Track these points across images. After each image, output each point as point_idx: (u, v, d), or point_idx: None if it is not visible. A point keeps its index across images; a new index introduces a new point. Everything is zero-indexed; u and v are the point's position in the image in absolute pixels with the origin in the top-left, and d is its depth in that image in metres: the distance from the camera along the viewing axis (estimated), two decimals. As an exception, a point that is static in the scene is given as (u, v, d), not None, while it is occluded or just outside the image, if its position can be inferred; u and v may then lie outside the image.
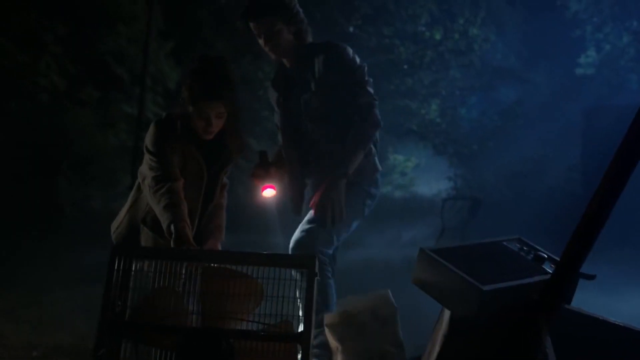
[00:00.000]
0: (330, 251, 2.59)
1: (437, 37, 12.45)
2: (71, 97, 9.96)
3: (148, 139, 2.47)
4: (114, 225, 2.62)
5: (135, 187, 2.59)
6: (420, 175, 14.86)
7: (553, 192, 11.45)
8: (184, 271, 1.87)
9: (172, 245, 2.15)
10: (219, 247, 2.64)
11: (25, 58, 9.42)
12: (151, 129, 2.47)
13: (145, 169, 2.45)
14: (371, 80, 2.68)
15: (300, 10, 2.69)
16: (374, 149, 2.74)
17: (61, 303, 5.07)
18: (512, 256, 2.06)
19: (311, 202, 2.54)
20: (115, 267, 1.75)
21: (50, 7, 9.59)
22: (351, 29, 11.85)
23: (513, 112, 13.57)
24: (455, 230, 7.38)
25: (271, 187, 2.64)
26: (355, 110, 2.59)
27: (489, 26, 13.92)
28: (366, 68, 2.68)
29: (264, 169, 2.66)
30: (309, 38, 2.73)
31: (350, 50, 2.67)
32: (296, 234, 2.57)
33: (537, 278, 1.92)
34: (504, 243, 2.11)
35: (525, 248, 2.08)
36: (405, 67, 12.52)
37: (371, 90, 2.65)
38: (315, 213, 2.49)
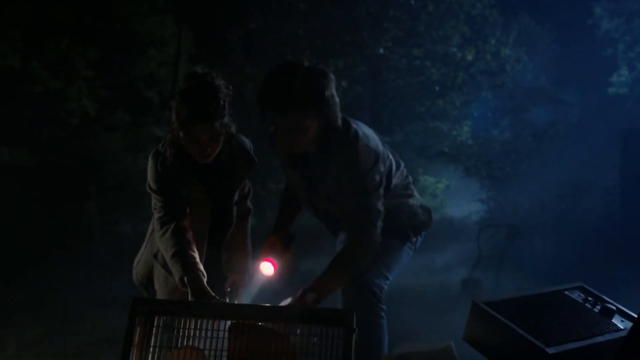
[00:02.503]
0: (386, 286, 2.36)
1: (469, 58, 12.26)
2: (102, 121, 10.02)
3: (148, 175, 2.27)
4: (135, 261, 2.47)
5: (152, 221, 2.41)
6: (450, 197, 14.62)
7: (590, 216, 11.08)
8: (209, 327, 1.69)
9: (189, 298, 1.96)
10: (246, 281, 2.46)
11: (57, 83, 9.52)
12: (149, 163, 2.26)
13: (153, 208, 2.29)
14: (382, 189, 2.26)
15: (336, 99, 2.17)
16: (412, 193, 2.52)
17: (86, 334, 4.97)
18: (576, 309, 1.82)
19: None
20: (136, 323, 1.58)
21: (82, 32, 9.70)
22: (381, 51, 11.73)
23: (547, 134, 13.28)
24: (492, 258, 7.09)
25: (272, 263, 2.32)
26: (354, 226, 2.22)
27: (521, 46, 13.71)
28: (381, 168, 2.23)
29: (277, 249, 2.35)
30: (338, 123, 2.20)
31: (367, 153, 2.21)
32: None
33: (608, 337, 1.69)
34: (566, 292, 1.87)
35: (590, 298, 1.85)
36: (437, 88, 12.33)
37: (379, 205, 2.22)
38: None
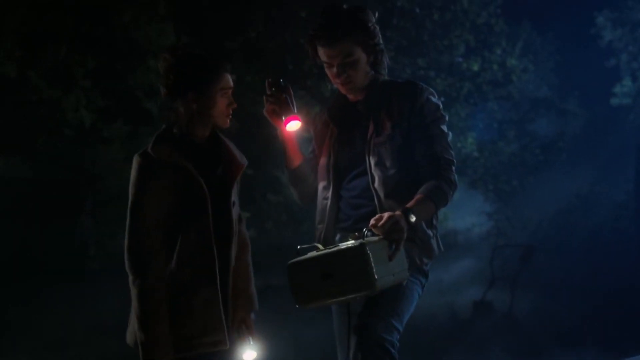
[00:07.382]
0: (397, 342, 2.06)
1: (475, 68, 12.00)
2: (99, 131, 9.80)
3: (132, 182, 2.13)
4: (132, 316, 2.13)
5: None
6: (453, 210, 14.41)
7: (601, 231, 10.85)
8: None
9: None
10: (252, 319, 2.23)
11: (54, 93, 9.29)
12: (135, 164, 2.17)
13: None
14: (450, 133, 2.26)
15: (381, 37, 2.25)
16: (436, 225, 2.26)
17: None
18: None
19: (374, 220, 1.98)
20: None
21: (80, 40, 9.49)
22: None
23: (555, 146, 13.06)
24: (504, 279, 6.77)
25: (295, 118, 2.23)
26: (432, 163, 2.18)
27: (527, 56, 13.49)
28: (446, 117, 2.28)
29: (277, 99, 2.26)
30: (385, 72, 2.30)
31: (435, 95, 2.26)
32: (353, 324, 2.04)
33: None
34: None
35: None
36: (442, 99, 12.05)
37: (451, 149, 2.22)
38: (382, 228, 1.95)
